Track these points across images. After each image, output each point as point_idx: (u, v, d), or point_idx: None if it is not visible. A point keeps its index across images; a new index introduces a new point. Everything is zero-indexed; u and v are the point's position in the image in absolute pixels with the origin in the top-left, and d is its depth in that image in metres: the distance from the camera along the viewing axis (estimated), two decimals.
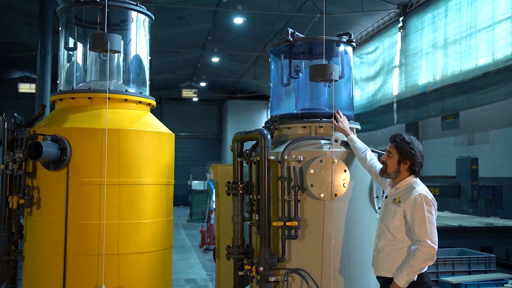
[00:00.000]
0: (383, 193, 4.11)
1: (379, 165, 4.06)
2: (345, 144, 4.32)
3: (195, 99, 34.67)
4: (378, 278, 3.88)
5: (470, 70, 12.94)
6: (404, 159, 3.79)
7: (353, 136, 4.28)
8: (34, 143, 3.82)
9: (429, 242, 3.57)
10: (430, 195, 3.72)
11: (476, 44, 12.79)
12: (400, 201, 3.74)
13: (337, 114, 4.36)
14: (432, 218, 3.66)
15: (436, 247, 3.60)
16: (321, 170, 4.05)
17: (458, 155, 12.18)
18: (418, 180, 3.86)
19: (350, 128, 4.52)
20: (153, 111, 4.73)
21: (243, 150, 4.37)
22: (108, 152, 3.96)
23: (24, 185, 4.06)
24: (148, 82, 4.72)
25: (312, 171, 4.05)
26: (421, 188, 3.76)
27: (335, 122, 4.33)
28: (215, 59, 25.59)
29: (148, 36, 4.72)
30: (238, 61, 25.51)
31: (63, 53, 4.60)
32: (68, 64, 4.61)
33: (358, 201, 4.22)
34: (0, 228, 4.20)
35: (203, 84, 32.46)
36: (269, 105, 5.56)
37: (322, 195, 4.04)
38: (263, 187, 4.04)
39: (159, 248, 4.29)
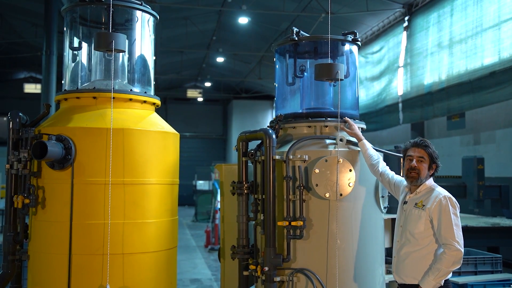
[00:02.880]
0: (399, 198, 4.06)
1: (391, 173, 4.09)
2: (350, 143, 4.29)
3: (200, 99, 34.71)
4: (402, 285, 3.83)
5: (476, 69, 12.89)
6: (432, 163, 3.82)
7: (366, 142, 4.23)
8: (39, 143, 3.82)
9: (456, 245, 3.55)
10: (453, 197, 3.74)
11: (482, 43, 12.74)
12: (424, 205, 3.73)
13: (348, 120, 4.31)
14: (458, 220, 3.66)
15: (463, 250, 3.59)
16: (326, 169, 4.03)
17: (464, 155, 12.14)
18: (433, 182, 3.88)
19: None
20: (158, 111, 4.72)
21: (248, 149, 4.36)
22: (113, 151, 3.96)
23: (29, 185, 4.06)
24: (153, 82, 4.71)
25: (317, 170, 4.03)
26: (444, 190, 3.77)
27: (347, 129, 4.28)
28: (220, 59, 25.61)
29: (153, 36, 4.71)
30: (243, 61, 25.51)
31: (68, 53, 4.60)
32: (73, 64, 4.61)
33: (363, 200, 4.19)
34: (5, 228, 4.21)
35: (208, 84, 32.49)
36: (274, 105, 5.55)
37: (327, 195, 4.02)
38: (268, 187, 4.03)
39: (164, 248, 4.28)
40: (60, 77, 5.05)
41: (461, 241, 3.59)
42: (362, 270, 4.16)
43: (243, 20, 19.17)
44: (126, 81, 4.52)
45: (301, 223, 3.98)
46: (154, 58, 4.78)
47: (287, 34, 4.66)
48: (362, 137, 4.25)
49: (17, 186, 4.14)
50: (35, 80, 29.50)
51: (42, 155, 3.77)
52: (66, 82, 4.57)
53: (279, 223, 4.03)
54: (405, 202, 3.89)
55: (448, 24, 14.24)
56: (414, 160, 3.80)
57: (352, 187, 4.05)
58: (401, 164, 4.03)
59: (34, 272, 4.15)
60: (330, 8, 6.83)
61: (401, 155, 4.66)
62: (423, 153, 3.81)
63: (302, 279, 4.05)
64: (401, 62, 16.65)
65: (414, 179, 3.81)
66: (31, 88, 30.34)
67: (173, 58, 24.25)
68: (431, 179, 3.87)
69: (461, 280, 5.96)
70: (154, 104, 4.56)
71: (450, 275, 3.67)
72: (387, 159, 4.69)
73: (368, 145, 4.20)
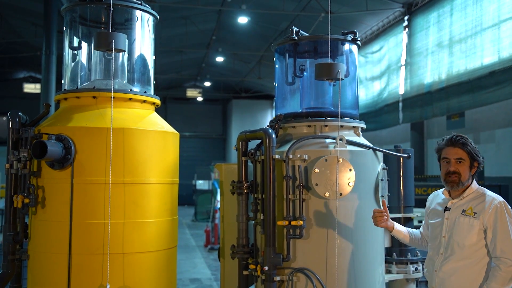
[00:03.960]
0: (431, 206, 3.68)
1: (423, 223, 3.76)
2: (350, 143, 4.29)
3: (200, 98, 34.71)
4: None
5: (475, 69, 12.90)
6: (473, 162, 3.36)
7: (397, 226, 3.74)
8: (38, 142, 3.82)
9: None
10: (506, 202, 3.34)
11: (481, 43, 12.75)
12: (475, 212, 3.28)
13: (379, 211, 3.67)
14: None
15: None
16: (326, 169, 4.03)
17: None
18: (477, 184, 3.46)
19: (355, 126, 4.50)
20: (158, 111, 4.72)
21: (248, 149, 4.36)
22: (112, 151, 3.96)
23: (29, 184, 4.05)
24: (152, 82, 4.71)
25: (317, 170, 4.03)
26: (496, 194, 3.34)
27: (377, 221, 3.67)
28: (219, 59, 25.62)
29: (152, 36, 4.71)
30: (243, 61, 25.51)
31: (67, 53, 4.59)
32: (73, 64, 4.61)
33: (363, 200, 4.19)
34: (5, 227, 4.21)
35: (207, 83, 32.49)
36: (274, 104, 5.54)
37: (327, 194, 4.02)
38: (268, 186, 4.03)
39: (163, 247, 4.28)
40: (59, 76, 5.05)
41: None
42: (362, 269, 4.16)
43: (242, 19, 19.18)
44: (126, 80, 4.52)
45: (301, 222, 3.98)
46: (154, 57, 4.77)
47: (287, 33, 4.66)
48: (393, 223, 3.72)
49: (17, 186, 4.13)
50: (34, 80, 29.50)
51: (42, 155, 3.77)
52: (66, 81, 4.57)
53: (279, 223, 4.03)
54: (446, 208, 3.44)
55: (448, 23, 14.25)
56: (452, 162, 3.35)
57: (352, 187, 4.05)
58: (438, 167, 3.52)
59: (34, 271, 4.15)
60: (330, 7, 6.83)
61: (401, 155, 4.68)
62: (461, 153, 3.34)
63: (302, 278, 4.05)
64: (401, 61, 16.66)
65: (454, 183, 3.35)
66: (31, 87, 30.33)
67: (172, 58, 24.25)
68: (474, 181, 3.42)
69: None
70: (154, 103, 4.56)
71: None
72: (386, 159, 4.69)
73: (401, 228, 3.74)
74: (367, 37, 19.08)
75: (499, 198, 3.32)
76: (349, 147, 4.22)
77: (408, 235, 3.77)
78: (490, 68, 12.29)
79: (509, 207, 3.29)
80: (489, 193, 3.37)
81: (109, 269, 3.87)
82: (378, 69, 18.32)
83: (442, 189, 3.62)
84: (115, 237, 3.95)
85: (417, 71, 15.75)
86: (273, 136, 4.11)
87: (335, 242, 4.02)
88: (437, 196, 3.64)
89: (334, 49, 4.59)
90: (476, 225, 3.26)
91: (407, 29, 16.47)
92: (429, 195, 3.85)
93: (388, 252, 4.73)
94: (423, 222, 3.83)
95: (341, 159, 4.04)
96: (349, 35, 4.59)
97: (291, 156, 4.10)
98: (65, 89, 4.47)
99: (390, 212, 4.41)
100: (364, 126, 4.62)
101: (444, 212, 3.44)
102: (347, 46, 4.72)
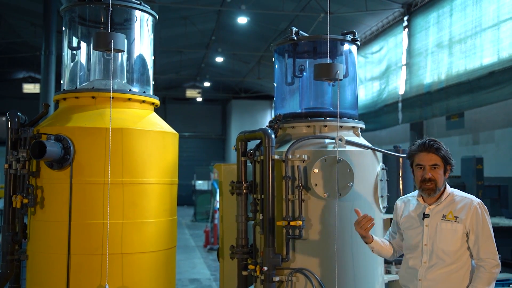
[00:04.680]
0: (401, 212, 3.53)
1: (390, 232, 3.65)
2: (349, 143, 4.29)
3: (199, 99, 34.71)
4: None
5: (475, 69, 12.90)
6: (446, 166, 3.29)
7: (376, 239, 3.55)
8: (37, 143, 3.81)
9: (497, 260, 3.17)
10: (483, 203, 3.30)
11: (481, 43, 12.75)
12: (457, 217, 3.21)
13: (368, 217, 3.41)
14: (492, 230, 3.23)
15: (500, 264, 3.18)
16: (325, 169, 4.03)
17: (463, 155, 12.15)
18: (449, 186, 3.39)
19: (354, 127, 4.50)
20: (157, 111, 4.72)
21: (247, 149, 4.35)
22: (111, 151, 3.96)
23: (28, 185, 4.05)
24: (152, 82, 4.71)
25: (316, 170, 4.03)
26: (472, 196, 3.30)
27: (366, 228, 3.42)
28: (219, 59, 25.61)
29: (152, 36, 4.71)
30: (242, 61, 25.51)
31: (66, 53, 4.59)
32: (72, 64, 4.60)
33: (362, 200, 4.19)
34: (4, 228, 4.21)
35: (207, 84, 32.48)
36: (273, 105, 5.54)
37: (326, 195, 4.02)
38: (267, 187, 4.03)
39: (163, 247, 4.28)
40: (58, 77, 5.05)
41: (497, 254, 3.18)
42: (361, 269, 4.15)
43: (242, 20, 19.17)
44: (125, 81, 4.51)
45: (300, 222, 3.98)
46: (153, 57, 4.77)
47: (286, 34, 4.66)
48: (371, 237, 3.50)
49: (16, 186, 4.13)
50: (34, 80, 29.47)
51: (41, 155, 3.76)
52: (65, 81, 4.57)
53: (278, 223, 4.02)
54: (425, 215, 3.31)
55: (447, 24, 14.25)
56: (427, 169, 3.25)
57: (351, 187, 4.05)
58: (411, 173, 3.41)
59: (33, 272, 4.15)
60: (329, 8, 6.82)
61: (401, 155, 4.67)
62: (436, 159, 3.25)
63: (301, 279, 4.05)
64: (401, 62, 16.66)
65: (431, 191, 3.26)
66: (30, 88, 30.31)
67: (172, 58, 24.25)
68: (447, 184, 3.36)
69: None
70: (153, 104, 4.55)
71: None
72: (386, 159, 4.69)
73: (378, 241, 3.55)
74: (366, 37, 19.08)
75: (475, 199, 3.28)
76: (349, 147, 4.22)
77: (386, 247, 3.57)
78: (490, 68, 12.29)
79: (485, 207, 3.27)
80: (465, 194, 3.32)
81: (108, 269, 3.86)
82: (378, 70, 18.32)
83: (411, 195, 3.53)
84: (114, 237, 3.95)
85: (416, 72, 15.75)
86: (272, 136, 4.11)
87: (334, 243, 4.02)
88: (408, 203, 3.48)
89: (333, 50, 4.59)
90: (459, 229, 3.20)
91: (406, 30, 16.47)
92: None
93: None
94: (389, 230, 3.67)
95: (340, 159, 4.04)
96: (348, 35, 4.59)
97: (290, 157, 4.09)
98: (64, 89, 4.47)
99: (389, 212, 4.42)
100: (363, 126, 4.62)
101: (423, 219, 3.32)
102: (346, 47, 4.72)
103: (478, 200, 3.28)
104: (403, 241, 3.53)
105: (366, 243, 3.49)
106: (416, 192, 3.46)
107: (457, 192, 3.34)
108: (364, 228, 3.36)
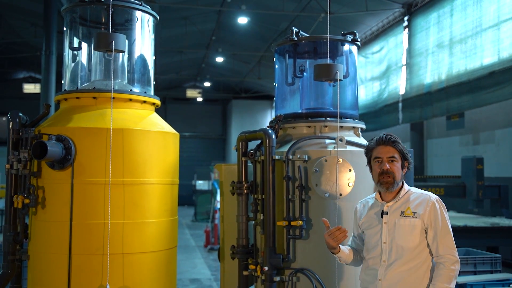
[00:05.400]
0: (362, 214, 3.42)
1: (353, 237, 3.51)
2: (350, 143, 4.30)
3: (200, 99, 34.70)
4: None
5: (475, 69, 12.90)
6: (404, 162, 3.26)
7: (343, 249, 3.39)
8: (39, 143, 3.82)
9: (456, 254, 3.11)
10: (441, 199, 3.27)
11: (481, 43, 12.75)
12: (415, 212, 3.17)
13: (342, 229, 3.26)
14: (450, 226, 3.20)
15: (459, 260, 3.14)
16: (326, 169, 4.04)
17: (463, 155, 12.14)
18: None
19: (354, 127, 4.51)
20: (158, 111, 4.73)
21: (248, 149, 4.36)
22: (112, 151, 3.97)
23: (29, 185, 4.06)
24: (152, 82, 4.72)
25: (317, 170, 4.04)
26: (429, 192, 3.28)
27: (338, 240, 3.27)
28: (219, 59, 25.60)
29: (152, 36, 4.72)
30: (243, 61, 25.51)
31: (67, 53, 4.60)
32: (73, 64, 4.62)
33: None
34: (5, 228, 4.22)
35: (207, 84, 32.48)
36: (274, 105, 5.55)
37: (327, 195, 4.02)
38: (268, 187, 4.04)
39: (163, 247, 4.29)
40: (59, 77, 5.06)
41: (456, 250, 3.15)
42: None
43: (242, 20, 19.17)
44: (126, 81, 4.52)
45: (301, 223, 3.99)
46: (154, 58, 4.78)
47: (287, 34, 4.67)
48: (338, 248, 3.34)
49: (17, 186, 4.14)
50: (34, 80, 29.48)
51: (42, 155, 3.77)
52: (66, 82, 4.58)
53: (279, 223, 4.03)
54: (383, 213, 3.25)
55: (448, 24, 14.25)
56: (384, 161, 3.22)
57: (351, 187, 4.06)
58: (369, 171, 3.37)
59: (34, 272, 4.16)
60: (330, 8, 6.82)
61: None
62: (393, 151, 3.21)
63: (302, 279, 4.05)
64: (401, 62, 16.66)
65: (390, 184, 3.20)
66: (31, 88, 30.32)
67: (172, 58, 24.24)
68: (404, 181, 3.32)
69: (460, 280, 5.96)
70: (154, 104, 4.56)
71: None
72: None
73: (345, 249, 3.41)
74: (367, 37, 19.08)
75: (433, 195, 3.24)
76: (349, 148, 4.23)
77: (353, 254, 3.44)
78: (490, 68, 12.28)
79: (443, 203, 3.24)
80: (421, 191, 3.28)
81: (109, 269, 3.87)
82: (378, 70, 18.31)
83: (369, 197, 3.48)
84: (115, 237, 3.96)
85: (417, 72, 15.74)
86: (273, 136, 4.11)
87: None
88: (367, 204, 3.42)
89: (333, 50, 4.60)
90: (418, 224, 3.15)
91: (407, 30, 16.47)
92: None
93: None
94: (353, 235, 3.53)
95: (341, 160, 4.04)
96: (348, 35, 4.60)
97: (291, 157, 4.10)
98: (65, 90, 4.48)
99: None
100: (363, 126, 4.63)
101: (382, 217, 3.25)
102: (346, 47, 4.73)
103: (436, 196, 3.24)
104: (360, 245, 3.45)
105: (333, 253, 3.37)
106: (374, 194, 3.42)
107: (415, 190, 3.30)
108: (337, 240, 3.25)
